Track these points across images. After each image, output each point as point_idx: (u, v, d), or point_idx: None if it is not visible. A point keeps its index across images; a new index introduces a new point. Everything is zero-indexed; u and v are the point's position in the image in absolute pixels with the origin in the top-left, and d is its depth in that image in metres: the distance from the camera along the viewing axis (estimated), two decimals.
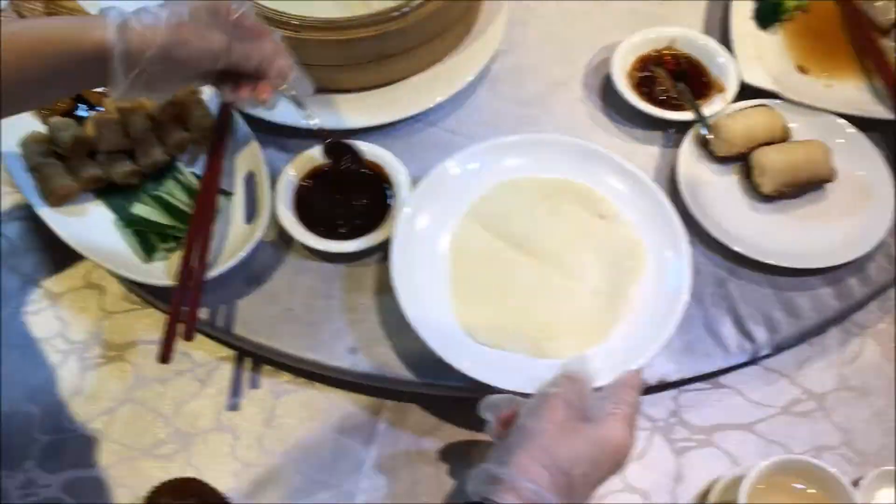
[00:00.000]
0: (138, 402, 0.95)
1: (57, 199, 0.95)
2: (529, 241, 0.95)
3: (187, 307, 0.89)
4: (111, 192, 0.99)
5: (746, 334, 0.94)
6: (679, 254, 0.93)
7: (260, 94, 0.85)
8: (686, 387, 0.95)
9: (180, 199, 0.98)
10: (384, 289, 0.96)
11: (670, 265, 0.93)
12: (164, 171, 1.01)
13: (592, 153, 1.00)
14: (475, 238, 0.95)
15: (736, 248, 0.96)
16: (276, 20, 0.99)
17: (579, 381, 0.72)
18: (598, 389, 0.74)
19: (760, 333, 0.95)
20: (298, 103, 0.96)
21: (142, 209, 0.95)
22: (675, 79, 1.10)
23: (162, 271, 0.93)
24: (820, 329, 0.97)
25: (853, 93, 1.11)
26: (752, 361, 0.96)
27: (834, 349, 0.99)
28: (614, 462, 0.69)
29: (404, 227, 0.94)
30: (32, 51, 0.71)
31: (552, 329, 0.90)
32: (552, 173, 0.99)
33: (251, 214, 0.98)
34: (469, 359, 0.86)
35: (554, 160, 1.00)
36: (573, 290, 0.93)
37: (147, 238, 0.94)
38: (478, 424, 0.87)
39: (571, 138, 1.01)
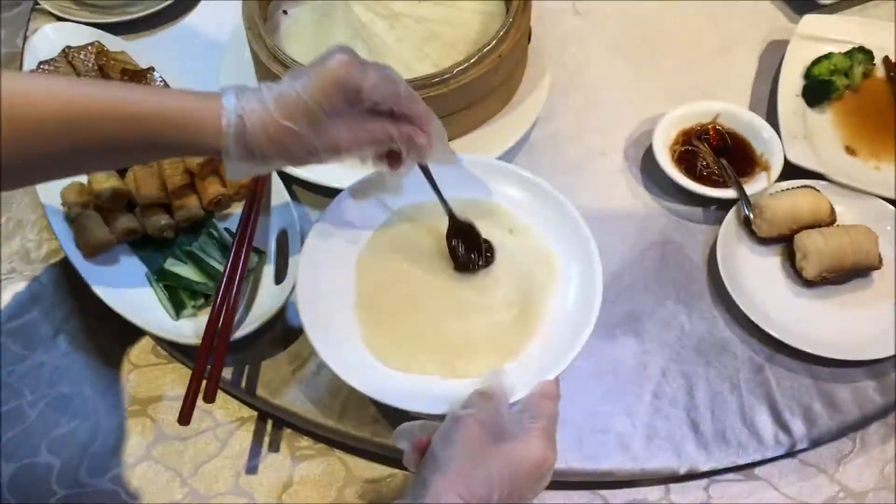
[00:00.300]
0: (157, 459, 0.94)
1: (92, 249, 0.95)
2: (438, 259, 0.89)
3: (211, 366, 0.88)
4: (145, 245, 0.99)
5: (783, 426, 0.91)
6: (591, 264, 0.85)
7: (399, 170, 0.79)
8: (717, 477, 0.92)
9: (212, 255, 0.98)
10: None
11: (583, 276, 0.86)
12: (200, 225, 1.01)
13: (499, 169, 0.93)
14: (381, 260, 0.88)
15: (775, 334, 0.93)
16: None
17: (493, 398, 0.70)
18: (515, 404, 0.72)
19: (798, 426, 0.91)
20: (427, 173, 0.84)
21: (174, 264, 0.95)
22: (717, 154, 1.08)
23: (190, 329, 0.93)
24: (861, 424, 0.93)
25: None
26: (789, 454, 0.92)
27: (875, 445, 0.95)
28: (536, 478, 0.66)
29: (312, 245, 0.86)
30: (150, 133, 0.69)
31: (465, 347, 0.83)
32: (458, 193, 0.91)
33: (281, 274, 0.97)
34: (378, 383, 0.79)
35: (459, 180, 0.92)
36: (486, 305, 0.86)
37: (177, 294, 0.93)
38: None
39: (473, 156, 0.93)
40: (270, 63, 1.03)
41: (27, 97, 0.65)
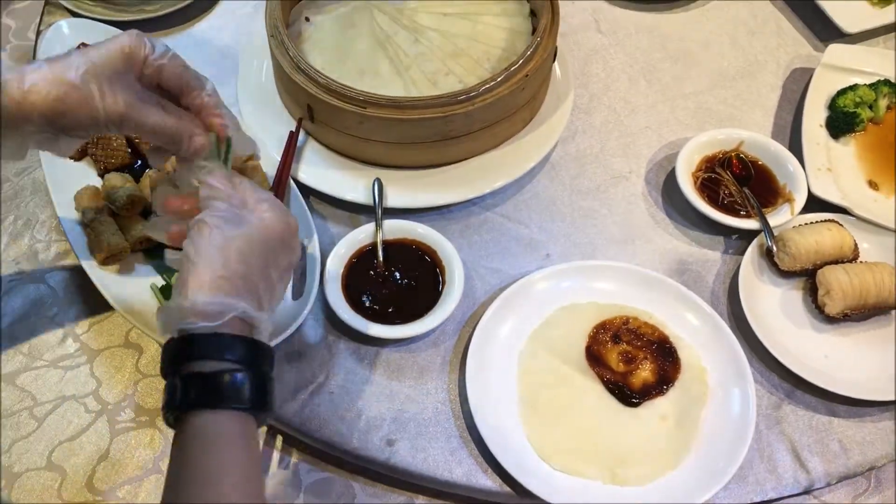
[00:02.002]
0: (165, 472, 0.92)
1: (106, 257, 0.93)
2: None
3: None
4: (160, 253, 0.97)
5: (801, 464, 0.90)
6: (744, 383, 0.91)
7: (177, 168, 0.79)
8: None
9: None
10: (425, 378, 0.94)
11: (735, 395, 0.91)
12: None
13: (659, 283, 0.99)
14: (540, 360, 0.94)
15: (796, 370, 0.92)
16: (342, 95, 0.98)
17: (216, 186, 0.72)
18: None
19: (816, 464, 0.90)
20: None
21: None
22: (740, 183, 1.07)
23: None
24: (877, 463, 0.92)
25: None
26: (806, 492, 0.91)
27: (891, 484, 0.94)
28: (284, 246, 0.73)
29: (482, 335, 0.94)
30: None
31: (625, 455, 0.88)
32: (613, 299, 0.99)
33: (298, 289, 0.95)
34: (544, 482, 0.85)
35: (617, 286, 0.99)
36: (640, 414, 0.91)
37: None
38: None
39: (641, 269, 1.00)
40: (293, 73, 1.01)
41: None
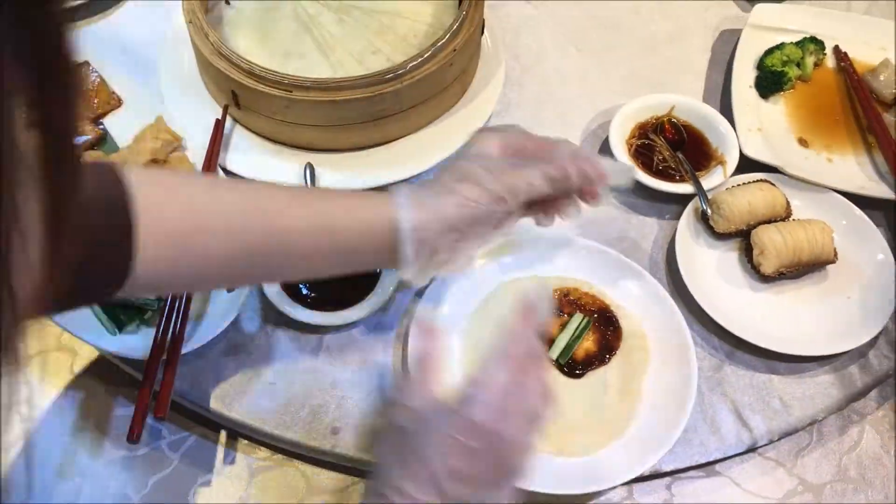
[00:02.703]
0: (106, 477, 0.90)
1: None
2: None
3: (163, 379, 0.85)
4: None
5: (744, 423, 0.91)
6: (685, 348, 0.91)
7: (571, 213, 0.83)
8: (680, 475, 0.92)
9: None
10: (369, 363, 0.92)
11: (677, 360, 0.91)
12: None
13: (597, 253, 0.98)
14: (484, 337, 0.93)
15: (735, 332, 0.93)
16: (266, 79, 0.96)
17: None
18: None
19: (758, 422, 0.91)
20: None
21: None
22: (674, 148, 1.07)
23: (136, 340, 0.89)
24: (818, 418, 0.94)
25: (854, 168, 1.08)
26: (750, 450, 0.92)
27: (833, 437, 0.96)
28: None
29: (423, 316, 0.92)
30: (327, 234, 0.72)
31: (571, 427, 0.88)
32: (553, 272, 0.98)
33: None
34: None
35: (557, 258, 0.99)
36: (584, 385, 0.91)
37: (115, 312, 0.89)
38: None
39: (579, 239, 0.99)
40: (214, 59, 0.98)
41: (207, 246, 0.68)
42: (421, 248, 0.71)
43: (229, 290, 0.92)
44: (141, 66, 1.12)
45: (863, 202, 1.04)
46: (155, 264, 0.64)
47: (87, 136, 1.03)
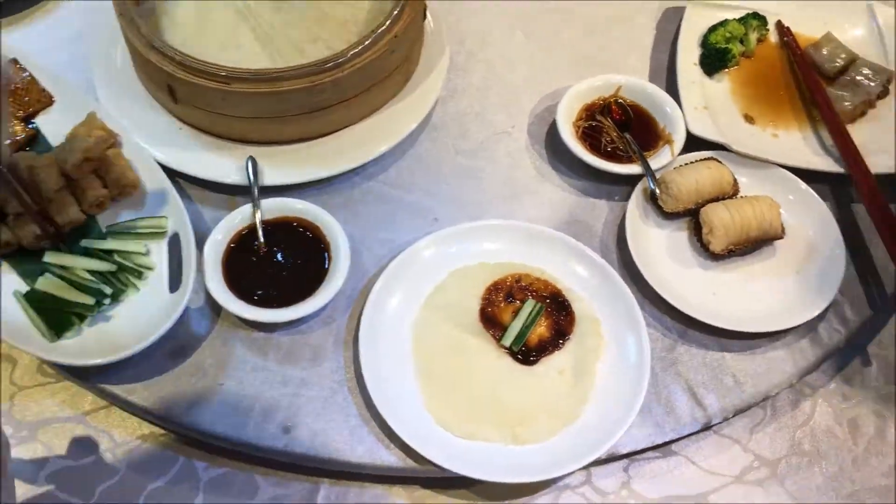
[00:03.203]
0: (53, 486, 0.87)
1: None
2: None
3: None
4: (22, 258, 0.91)
5: (698, 401, 0.91)
6: (637, 330, 0.91)
7: None
8: (636, 456, 0.92)
9: (91, 271, 0.90)
10: (319, 359, 0.91)
11: (629, 342, 0.91)
12: (82, 231, 0.93)
13: (547, 237, 0.97)
14: (435, 328, 0.92)
15: (687, 312, 0.93)
16: (202, 72, 0.93)
17: None
18: None
19: (711, 400, 0.91)
20: None
21: (49, 283, 0.87)
22: (621, 129, 1.07)
23: (74, 346, 0.86)
24: (771, 393, 0.94)
25: (799, 143, 1.09)
26: (705, 428, 0.92)
27: (786, 411, 0.96)
28: None
29: (373, 309, 0.91)
30: None
31: (524, 414, 0.87)
32: (503, 258, 0.97)
33: (175, 281, 0.91)
34: (446, 452, 0.84)
35: (507, 245, 0.98)
36: (537, 372, 0.90)
37: (53, 317, 0.86)
38: (421, 500, 0.84)
39: (528, 225, 0.98)
40: (147, 52, 0.95)
41: None
42: None
43: (172, 291, 0.89)
44: (72, 63, 1.09)
45: (809, 176, 1.04)
46: None
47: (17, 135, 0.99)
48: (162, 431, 0.91)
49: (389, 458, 0.86)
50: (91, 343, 0.86)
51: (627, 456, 0.91)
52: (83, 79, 1.05)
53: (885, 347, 1.02)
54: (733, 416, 0.93)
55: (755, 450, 0.93)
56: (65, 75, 1.05)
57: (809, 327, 0.97)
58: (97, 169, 0.96)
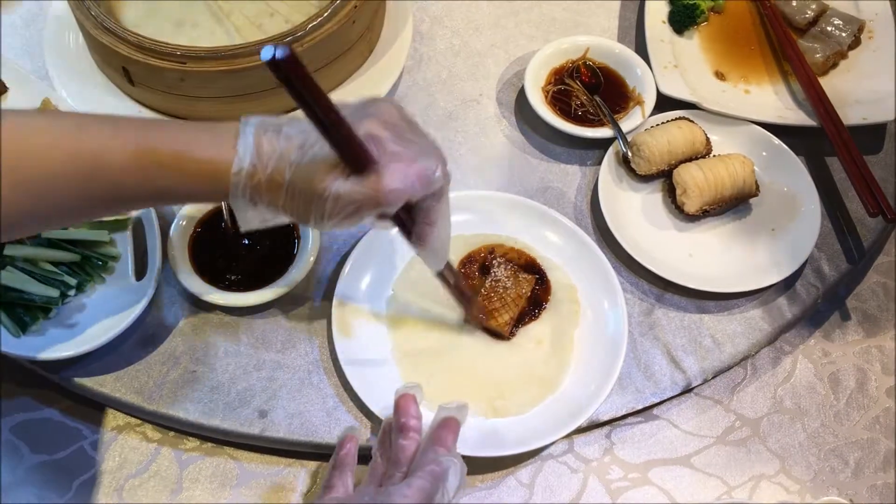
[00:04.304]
0: (27, 483, 0.85)
1: None
2: None
3: None
4: None
5: (677, 364, 0.91)
6: (614, 295, 0.90)
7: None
8: (618, 422, 0.91)
9: (54, 262, 0.87)
10: (294, 341, 0.89)
11: (606, 308, 0.90)
12: None
13: (520, 206, 0.96)
14: (410, 304, 0.91)
15: (663, 275, 0.92)
16: (157, 52, 0.90)
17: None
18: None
19: (691, 363, 0.91)
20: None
21: (10, 277, 0.85)
22: (591, 92, 1.05)
23: (41, 340, 0.84)
24: (751, 352, 0.94)
25: (771, 98, 1.07)
26: (685, 391, 0.92)
27: (766, 370, 0.96)
28: None
29: (346, 287, 0.90)
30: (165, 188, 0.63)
31: (502, 386, 0.87)
32: (476, 229, 0.95)
33: (141, 268, 0.89)
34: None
35: (480, 216, 0.96)
36: (515, 343, 0.89)
37: (17, 311, 0.84)
38: None
39: (500, 194, 0.97)
40: (99, 34, 0.92)
41: (31, 154, 0.59)
42: (256, 196, 0.63)
43: (138, 279, 0.88)
44: (26, 49, 1.06)
45: (782, 131, 1.03)
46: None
47: None
48: (138, 421, 0.89)
49: (369, 437, 0.85)
50: (57, 336, 0.84)
51: (609, 423, 0.90)
52: (38, 65, 1.02)
53: (863, 300, 1.01)
54: (713, 378, 0.93)
55: (737, 409, 0.93)
56: (18, 61, 1.02)
57: (787, 284, 0.96)
58: None
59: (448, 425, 0.78)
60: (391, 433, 0.78)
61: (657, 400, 0.90)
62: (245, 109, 0.96)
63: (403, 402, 0.78)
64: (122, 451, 0.88)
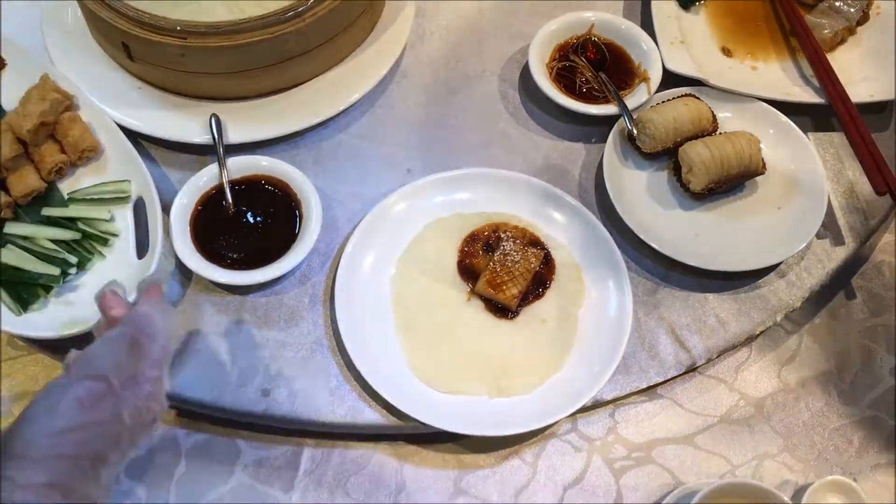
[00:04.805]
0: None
1: None
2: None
3: None
4: None
5: (681, 344, 0.90)
6: (618, 275, 0.90)
7: None
8: (622, 401, 0.91)
9: (55, 241, 0.87)
10: (296, 319, 0.89)
11: (611, 287, 0.90)
12: (43, 199, 0.90)
13: (524, 184, 0.95)
14: (413, 283, 0.90)
15: (668, 254, 0.91)
16: (157, 27, 0.89)
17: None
18: None
19: (695, 342, 0.90)
20: None
21: (10, 255, 0.84)
22: (596, 68, 1.04)
23: (42, 318, 0.83)
24: (755, 332, 0.93)
25: (779, 75, 1.06)
26: (689, 370, 0.92)
27: (771, 349, 0.96)
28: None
29: (348, 266, 0.89)
30: None
31: (508, 365, 0.86)
32: (478, 208, 0.94)
33: (142, 247, 0.88)
34: (430, 408, 0.82)
35: (482, 194, 0.95)
36: (520, 322, 0.89)
37: (18, 289, 0.83)
38: (406, 458, 0.84)
39: (503, 172, 0.96)
40: (99, 9, 0.91)
41: None
42: None
43: (140, 258, 0.87)
44: (23, 25, 1.04)
45: (789, 108, 1.02)
46: None
47: None
48: None
49: (373, 416, 0.84)
50: (59, 314, 0.84)
51: (613, 402, 0.90)
52: (36, 42, 1.00)
53: (869, 279, 1.01)
54: (718, 357, 0.92)
55: (741, 389, 0.93)
56: (15, 38, 1.00)
57: (792, 263, 0.95)
58: (54, 133, 0.92)
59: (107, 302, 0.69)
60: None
61: (661, 379, 0.89)
62: (250, 86, 0.96)
63: (103, 301, 0.69)
64: None
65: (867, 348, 0.96)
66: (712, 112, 0.99)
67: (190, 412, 0.87)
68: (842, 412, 0.92)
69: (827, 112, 1.02)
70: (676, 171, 0.97)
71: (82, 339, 0.84)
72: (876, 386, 0.94)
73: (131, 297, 0.82)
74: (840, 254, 0.96)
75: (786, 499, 0.78)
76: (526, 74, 1.05)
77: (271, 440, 0.87)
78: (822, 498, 0.84)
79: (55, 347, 0.86)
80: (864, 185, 1.00)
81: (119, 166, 0.92)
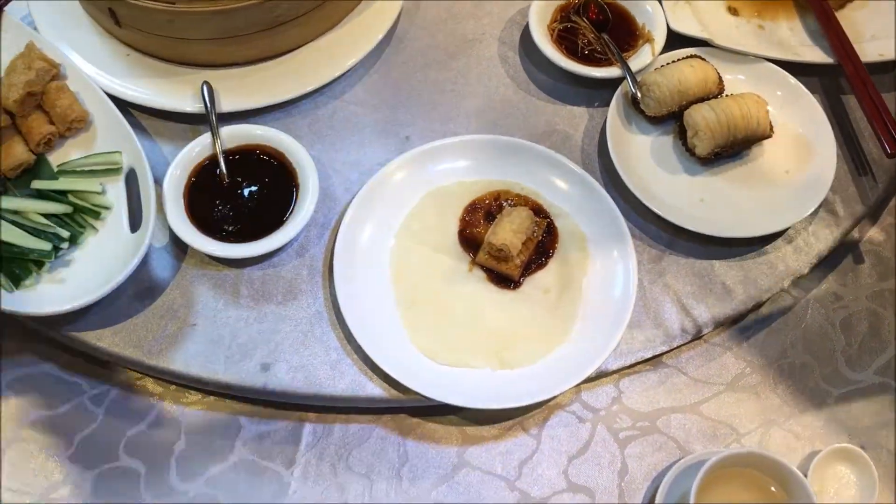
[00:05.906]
0: (28, 440, 0.84)
1: None
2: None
3: None
4: None
5: (687, 312, 0.89)
6: (623, 242, 0.88)
7: None
8: (626, 371, 0.89)
9: (46, 215, 0.85)
10: (294, 293, 0.87)
11: (615, 255, 0.88)
12: (33, 172, 0.88)
13: (525, 150, 0.92)
14: (414, 254, 0.88)
15: (674, 221, 0.89)
16: None
17: None
18: None
19: (701, 310, 0.89)
20: None
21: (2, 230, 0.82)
22: (598, 29, 1.01)
23: (34, 295, 0.82)
24: (761, 299, 0.91)
25: (786, 34, 1.03)
26: (696, 338, 0.90)
27: (778, 316, 0.94)
28: None
29: (346, 237, 0.87)
30: None
31: (511, 336, 0.85)
32: (479, 175, 0.92)
33: (135, 219, 0.86)
34: (431, 381, 0.81)
35: (482, 162, 0.93)
36: (523, 292, 0.87)
37: (9, 265, 0.81)
38: (408, 431, 0.83)
39: (504, 138, 0.93)
40: None
41: None
42: None
43: (133, 231, 0.85)
44: None
45: (797, 69, 0.99)
46: None
47: None
48: (138, 375, 0.87)
49: (374, 389, 0.83)
50: (52, 290, 0.82)
51: (617, 371, 0.89)
52: (18, 9, 0.97)
53: (877, 243, 0.99)
54: (724, 325, 0.91)
55: (747, 356, 0.91)
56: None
57: (800, 228, 0.93)
58: (41, 104, 0.90)
59: None
60: None
61: (667, 348, 0.88)
62: (241, 52, 0.94)
63: None
64: (123, 405, 0.86)
65: (875, 313, 0.95)
66: (718, 74, 0.97)
67: (188, 386, 0.86)
68: (849, 378, 0.91)
69: (836, 72, 1.00)
70: (682, 135, 0.95)
71: (77, 315, 0.83)
72: (884, 351, 0.93)
73: (128, 271, 0.81)
74: (849, 217, 0.95)
75: (793, 467, 0.77)
76: (526, 37, 1.02)
77: (272, 415, 0.86)
78: (830, 466, 0.83)
79: (49, 324, 0.84)
80: (873, 147, 0.97)
81: (109, 137, 0.90)
